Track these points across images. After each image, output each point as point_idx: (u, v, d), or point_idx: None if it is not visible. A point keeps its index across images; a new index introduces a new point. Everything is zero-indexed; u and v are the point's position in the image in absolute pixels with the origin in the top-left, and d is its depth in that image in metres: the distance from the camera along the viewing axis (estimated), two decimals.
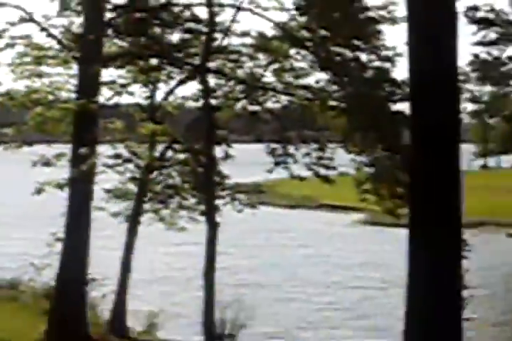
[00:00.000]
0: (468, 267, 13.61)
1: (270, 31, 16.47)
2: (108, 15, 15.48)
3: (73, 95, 16.77)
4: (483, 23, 49.49)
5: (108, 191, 19.02)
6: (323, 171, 17.51)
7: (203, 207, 14.84)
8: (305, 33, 16.37)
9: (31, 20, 16.21)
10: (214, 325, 12.07)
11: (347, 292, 26.53)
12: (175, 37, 14.87)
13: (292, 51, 16.50)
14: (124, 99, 17.39)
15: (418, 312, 12.64)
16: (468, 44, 53.50)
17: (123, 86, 16.47)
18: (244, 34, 15.67)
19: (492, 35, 52.77)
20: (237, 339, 19.93)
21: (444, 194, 12.73)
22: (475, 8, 46.59)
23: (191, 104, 16.40)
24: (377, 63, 16.73)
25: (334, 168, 17.58)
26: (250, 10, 15.74)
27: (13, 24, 16.26)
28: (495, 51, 55.30)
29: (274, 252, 34.35)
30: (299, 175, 17.70)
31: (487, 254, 31.94)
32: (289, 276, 29.05)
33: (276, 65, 16.60)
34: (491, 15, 48.77)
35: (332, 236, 40.14)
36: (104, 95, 16.47)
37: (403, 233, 13.07)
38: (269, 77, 16.91)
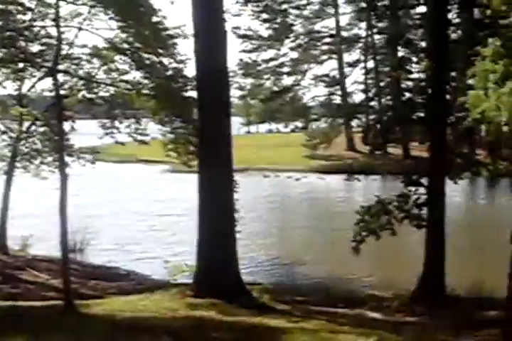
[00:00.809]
0: (239, 197, 14.05)
1: (102, 44, 16.23)
2: None
3: None
4: (244, 37, 50.24)
5: None
6: (139, 137, 17.47)
7: (57, 163, 14.52)
8: (125, 45, 16.20)
9: None
10: (68, 244, 11.95)
11: (162, 218, 26.35)
12: (35, 48, 14.49)
13: (117, 57, 16.30)
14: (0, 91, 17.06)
15: (207, 228, 13.01)
16: (237, 51, 54.26)
17: None
18: (84, 46, 15.40)
19: (250, 45, 53.66)
20: (84, 251, 19.89)
21: (219, 149, 13.11)
22: (238, 28, 47.19)
23: (47, 93, 16.03)
24: (174, 65, 16.75)
25: (147, 135, 17.56)
26: (87, 30, 15.47)
27: None
28: (253, 56, 56.18)
29: (110, 193, 33.91)
30: (121, 141, 17.63)
31: (252, 189, 32.65)
32: (121, 209, 28.76)
33: (105, 67, 16.38)
34: (249, 32, 49.55)
35: (148, 180, 40.00)
36: None
37: (195, 176, 13.40)
38: (101, 75, 16.69)
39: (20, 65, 15.30)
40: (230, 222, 13.12)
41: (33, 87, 18.10)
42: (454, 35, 15.60)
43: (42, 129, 16.60)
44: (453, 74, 15.23)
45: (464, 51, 14.98)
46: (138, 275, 17.62)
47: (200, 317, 10.65)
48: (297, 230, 25.09)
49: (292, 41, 57.66)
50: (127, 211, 28.22)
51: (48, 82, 15.14)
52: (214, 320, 10.53)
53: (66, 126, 12.85)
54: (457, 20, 17.67)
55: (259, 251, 20.61)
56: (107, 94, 17.04)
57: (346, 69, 58.74)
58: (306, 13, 57.82)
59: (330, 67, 69.62)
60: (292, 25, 56.70)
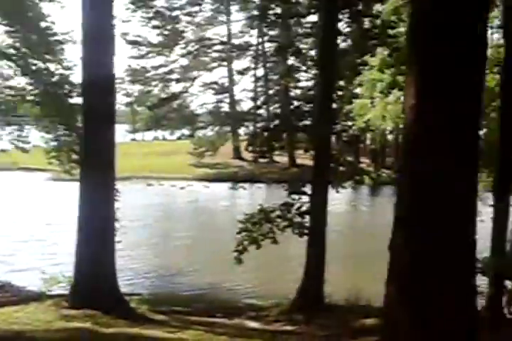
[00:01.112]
0: (121, 206, 13.87)
1: None
2: None
3: None
4: (134, 43, 50.26)
5: None
6: (21, 145, 17.20)
7: None
8: (12, 50, 15.95)
9: None
10: None
11: (42, 227, 25.52)
12: None
13: (2, 62, 16.03)
14: None
15: (85, 237, 12.53)
16: (125, 57, 54.04)
17: None
18: None
19: (139, 52, 53.68)
20: None
21: (102, 157, 12.83)
22: (127, 34, 47.21)
23: None
24: (61, 71, 16.62)
25: (29, 142, 17.33)
26: None
27: None
28: (142, 62, 56.18)
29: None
30: (2, 149, 17.33)
31: (135, 198, 32.48)
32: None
33: None
34: (139, 39, 49.67)
35: (29, 189, 38.96)
36: None
37: (76, 185, 13.16)
38: None
39: None
40: (108, 232, 12.77)
41: None
42: (343, 45, 15.80)
43: None
44: (341, 83, 15.49)
45: (353, 60, 15.36)
46: (13, 287, 16.94)
47: (76, 329, 10.32)
48: (180, 240, 24.95)
49: (182, 48, 57.98)
50: (5, 220, 27.11)
51: None
52: (90, 332, 10.25)
53: None
54: (347, 30, 18.17)
55: (141, 262, 20.45)
56: None
57: (236, 77, 59.60)
58: (197, 20, 58.37)
59: (219, 74, 70.35)
60: (183, 31, 57.08)
